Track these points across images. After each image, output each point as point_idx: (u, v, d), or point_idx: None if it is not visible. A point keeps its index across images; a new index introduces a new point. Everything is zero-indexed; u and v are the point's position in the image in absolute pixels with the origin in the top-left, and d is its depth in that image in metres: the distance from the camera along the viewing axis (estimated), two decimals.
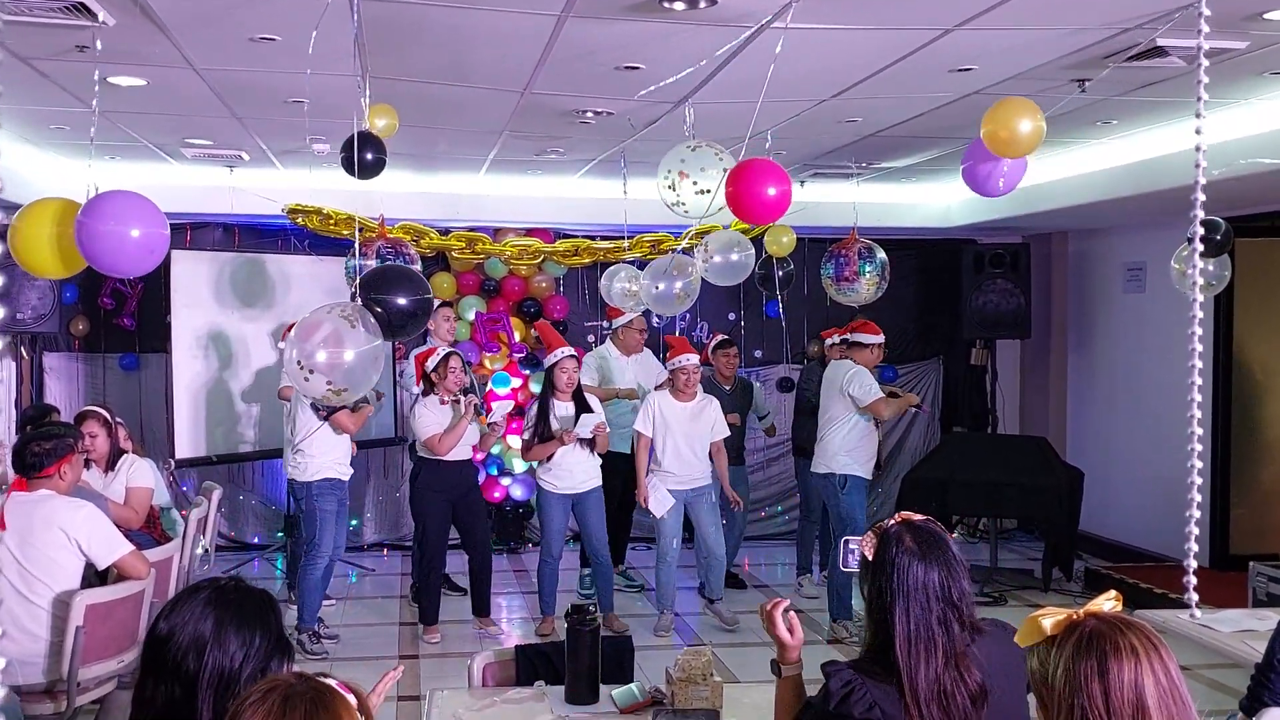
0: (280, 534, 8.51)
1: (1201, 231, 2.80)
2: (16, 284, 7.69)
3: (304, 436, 6.22)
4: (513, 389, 9.00)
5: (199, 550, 5.90)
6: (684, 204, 4.76)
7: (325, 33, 4.22)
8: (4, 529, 4.05)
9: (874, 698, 2.26)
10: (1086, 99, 5.30)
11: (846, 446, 6.54)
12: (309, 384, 3.75)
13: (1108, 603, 1.92)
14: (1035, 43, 4.40)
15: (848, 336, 6.87)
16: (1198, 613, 2.59)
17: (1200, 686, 5.59)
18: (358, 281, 4.15)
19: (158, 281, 7.84)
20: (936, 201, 9.10)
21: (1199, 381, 2.62)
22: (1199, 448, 2.53)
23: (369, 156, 4.40)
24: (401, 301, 4.04)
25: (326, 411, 6.14)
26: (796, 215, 7.55)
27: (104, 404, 6.32)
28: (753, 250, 6.42)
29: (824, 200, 8.26)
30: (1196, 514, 2.56)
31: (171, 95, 5.40)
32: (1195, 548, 2.56)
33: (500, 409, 6.70)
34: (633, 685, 3.24)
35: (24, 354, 8.35)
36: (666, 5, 3.84)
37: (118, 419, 5.93)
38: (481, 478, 8.64)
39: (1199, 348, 2.60)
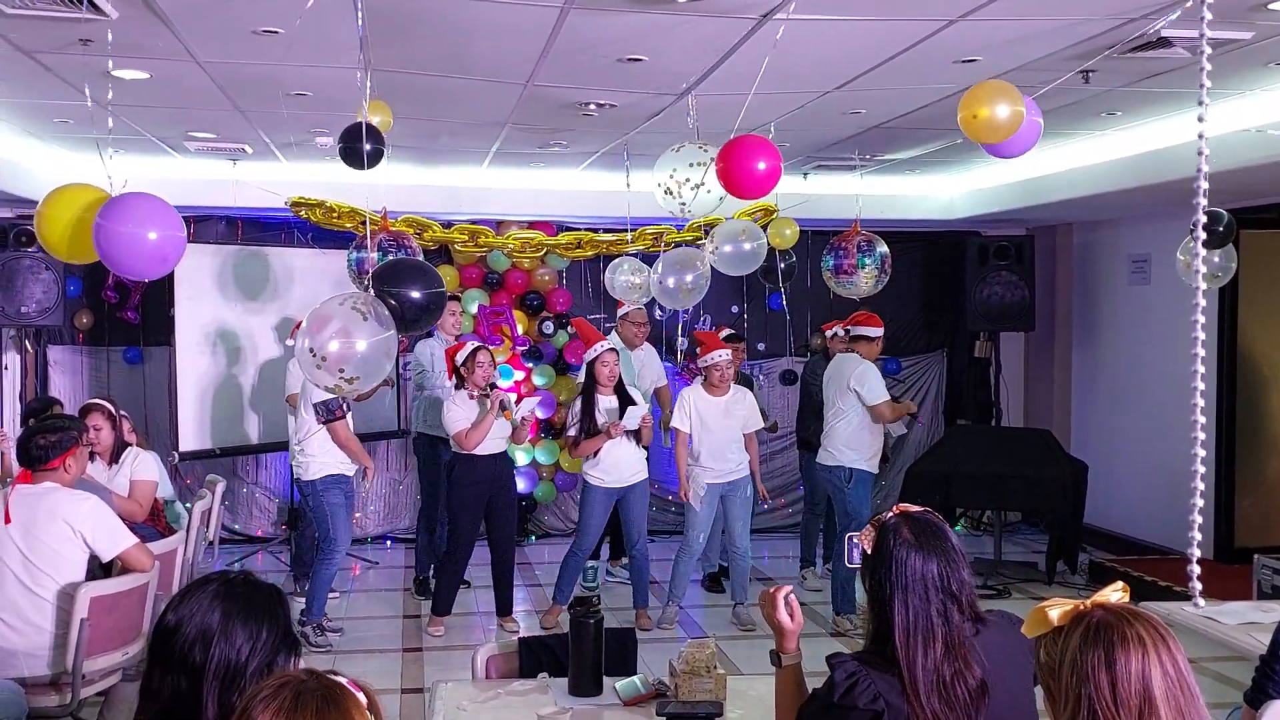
0: (284, 526, 8.52)
1: (1204, 219, 2.79)
2: (21, 277, 7.70)
3: (305, 435, 6.23)
4: (515, 382, 9.00)
5: (203, 542, 5.90)
6: (685, 203, 4.76)
7: (327, 25, 4.22)
8: (9, 521, 4.05)
9: (878, 689, 2.26)
10: (1091, 90, 5.28)
11: (852, 441, 6.54)
12: (320, 372, 3.75)
13: (1115, 594, 1.92)
14: (1039, 34, 4.39)
15: (851, 329, 6.87)
16: (1201, 601, 2.59)
17: (1205, 679, 5.59)
18: (371, 273, 4.14)
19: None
20: (940, 193, 9.08)
21: (1201, 370, 2.61)
22: (1201, 436, 2.53)
23: (368, 147, 4.39)
24: (415, 295, 4.03)
25: (325, 417, 6.13)
26: (799, 207, 7.61)
27: (108, 397, 6.33)
28: (764, 239, 6.41)
29: (827, 192, 8.25)
30: (1200, 503, 2.56)
31: (174, 88, 5.40)
32: (1199, 536, 2.56)
33: (528, 404, 6.61)
34: (636, 677, 3.24)
35: (29, 347, 8.36)
36: None
37: (122, 412, 5.94)
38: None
39: (1201, 335, 2.59)
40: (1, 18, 4.10)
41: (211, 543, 6.21)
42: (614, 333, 7.71)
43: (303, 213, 8.06)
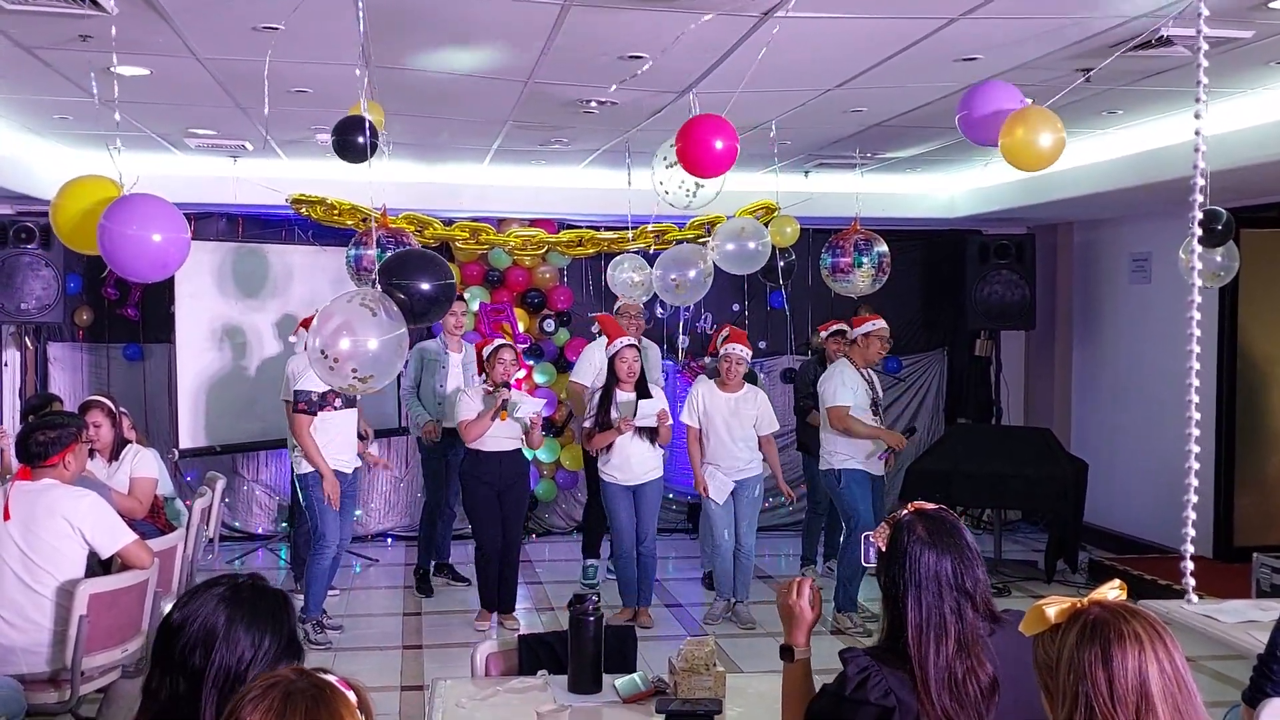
0: (284, 524, 8.53)
1: (1200, 216, 2.78)
2: (21, 273, 7.70)
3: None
4: (516, 380, 9.00)
5: (203, 540, 5.91)
6: (692, 192, 4.75)
7: (328, 21, 4.22)
8: (8, 518, 4.06)
9: (890, 684, 2.27)
10: (1091, 89, 5.28)
11: (837, 442, 6.57)
12: (333, 373, 3.73)
13: (1112, 591, 1.92)
14: (1040, 32, 4.39)
15: (843, 328, 6.92)
16: (1194, 598, 2.59)
17: (1203, 678, 5.58)
18: (378, 268, 4.12)
19: None
20: (941, 192, 9.08)
21: (1197, 366, 2.61)
22: (1196, 433, 2.53)
23: (359, 140, 4.38)
24: (425, 287, 4.01)
25: (293, 405, 6.15)
26: (800, 206, 7.61)
27: (108, 394, 6.32)
28: (768, 237, 6.40)
29: (828, 191, 8.25)
30: (1194, 499, 2.56)
31: (175, 85, 5.40)
32: (1192, 532, 2.55)
33: (530, 405, 6.54)
34: (635, 675, 3.24)
35: (28, 344, 8.36)
36: None
37: (121, 409, 5.94)
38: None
39: (1197, 332, 2.59)
40: (1, 13, 4.10)
41: (211, 540, 6.21)
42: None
43: (303, 210, 8.06)
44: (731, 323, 8.77)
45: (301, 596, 6.47)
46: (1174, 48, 4.35)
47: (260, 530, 8.92)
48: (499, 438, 6.40)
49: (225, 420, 7.80)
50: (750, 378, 7.86)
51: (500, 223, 8.90)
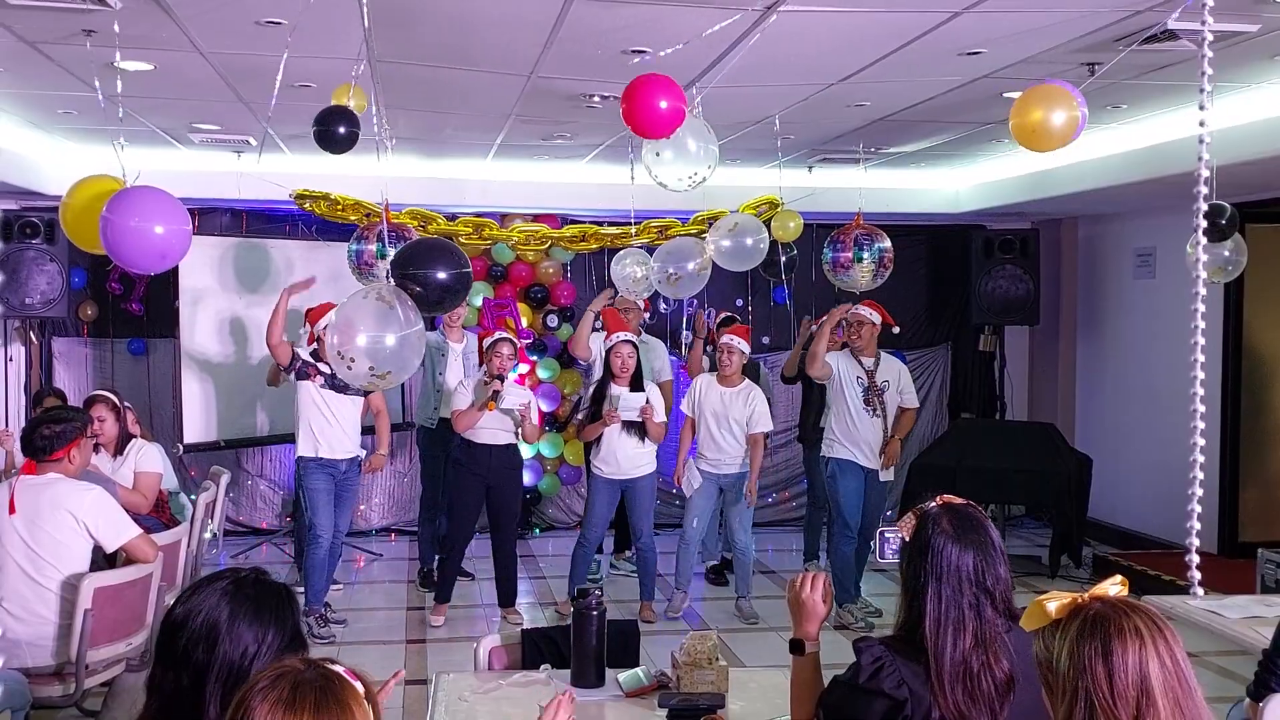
0: (289, 518, 8.54)
1: (1205, 208, 2.77)
2: (26, 269, 7.72)
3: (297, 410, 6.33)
4: (519, 375, 9.00)
5: (207, 535, 5.92)
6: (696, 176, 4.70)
7: (331, 16, 4.22)
8: (13, 512, 4.06)
9: (903, 675, 2.27)
10: (1097, 83, 5.25)
11: (829, 430, 6.64)
12: (351, 372, 3.72)
13: (1113, 586, 1.91)
14: (1045, 26, 4.38)
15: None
16: (1200, 591, 2.59)
17: (1208, 674, 5.58)
18: (389, 261, 4.10)
19: None
20: (945, 187, 9.06)
21: (1201, 358, 2.61)
22: (1201, 424, 2.52)
23: (341, 130, 4.36)
24: (441, 276, 3.98)
25: (289, 362, 6.25)
26: (804, 201, 7.60)
27: (112, 388, 6.34)
28: (763, 233, 6.39)
29: (832, 186, 8.24)
30: (1199, 492, 2.56)
31: (178, 79, 5.40)
32: (1198, 525, 2.55)
33: (516, 397, 6.57)
34: (638, 669, 3.24)
35: (33, 339, 8.38)
36: None
37: (126, 404, 5.95)
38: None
39: (1201, 324, 2.58)
40: (5, 8, 4.11)
41: (216, 534, 6.23)
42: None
43: (307, 205, 8.05)
44: (735, 318, 8.74)
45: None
46: (1179, 42, 4.34)
47: (264, 525, 8.93)
48: (491, 429, 6.42)
49: (229, 415, 7.82)
50: (753, 372, 7.87)
51: (503, 218, 8.90)
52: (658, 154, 4.59)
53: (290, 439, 6.72)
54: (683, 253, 6.63)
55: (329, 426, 6.30)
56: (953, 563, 2.30)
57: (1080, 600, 1.88)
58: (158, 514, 5.61)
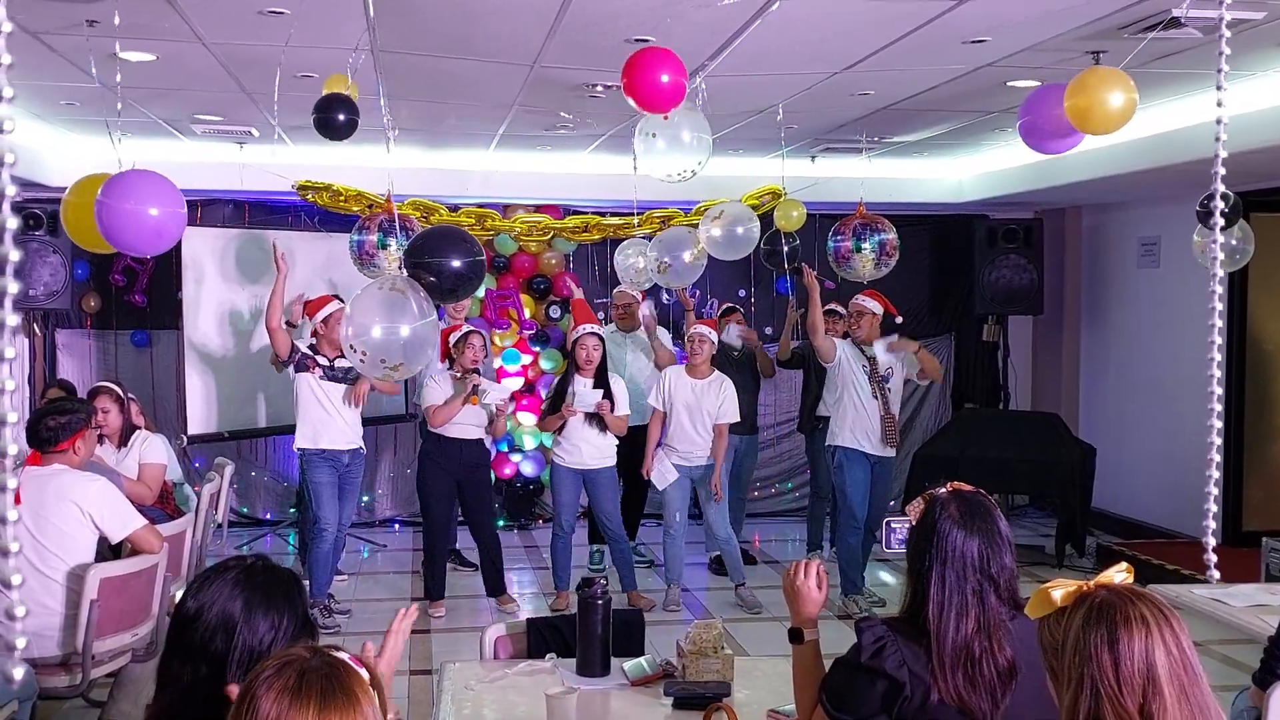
0: (293, 509, 8.56)
1: (1222, 189, 2.75)
2: (29, 260, 7.71)
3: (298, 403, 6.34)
4: (522, 366, 9.01)
5: (212, 525, 5.92)
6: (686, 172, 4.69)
7: (333, 6, 4.21)
8: (18, 503, 4.06)
9: (904, 656, 2.28)
10: None
11: (836, 419, 6.63)
12: (365, 365, 3.73)
13: (1118, 574, 1.91)
14: (1050, 14, 4.36)
15: (834, 308, 7.04)
16: (1216, 575, 2.59)
17: (1212, 662, 5.58)
18: (403, 250, 4.09)
19: (168, 258, 7.85)
20: (949, 176, 9.05)
21: (1218, 358, 2.60)
22: (1218, 407, 2.51)
23: (340, 117, 4.35)
24: (455, 264, 3.98)
25: (288, 355, 6.27)
26: (807, 191, 7.58)
27: (116, 380, 6.34)
28: (755, 221, 6.40)
29: (835, 176, 8.22)
30: (1216, 475, 2.55)
31: (181, 70, 5.39)
32: (1215, 508, 2.55)
33: (498, 392, 6.62)
34: (643, 658, 3.25)
35: (36, 330, 8.38)
36: None
37: (130, 395, 5.96)
38: (492, 455, 8.64)
39: (1219, 323, 2.57)
40: None
41: (220, 525, 6.23)
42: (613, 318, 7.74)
43: (309, 196, 8.05)
44: (736, 308, 8.73)
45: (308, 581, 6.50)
46: (1184, 30, 4.33)
47: (268, 516, 8.94)
48: (464, 424, 6.47)
49: (233, 406, 7.82)
50: (753, 363, 7.86)
51: (506, 208, 8.89)
52: (654, 135, 4.55)
53: (293, 430, 6.73)
54: (677, 243, 6.64)
55: (329, 418, 6.30)
56: (958, 548, 2.31)
57: (1086, 588, 1.88)
58: (162, 505, 5.62)
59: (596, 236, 8.92)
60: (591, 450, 6.59)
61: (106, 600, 4.10)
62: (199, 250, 7.62)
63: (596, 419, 6.53)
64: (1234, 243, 6.18)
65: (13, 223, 1.25)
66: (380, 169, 6.92)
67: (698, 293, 9.14)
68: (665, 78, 3.96)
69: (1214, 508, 2.43)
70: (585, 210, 8.99)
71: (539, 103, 6.20)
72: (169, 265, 8.06)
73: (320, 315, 6.35)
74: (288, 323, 6.63)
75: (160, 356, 8.74)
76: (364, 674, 1.66)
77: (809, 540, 8.02)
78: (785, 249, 7.58)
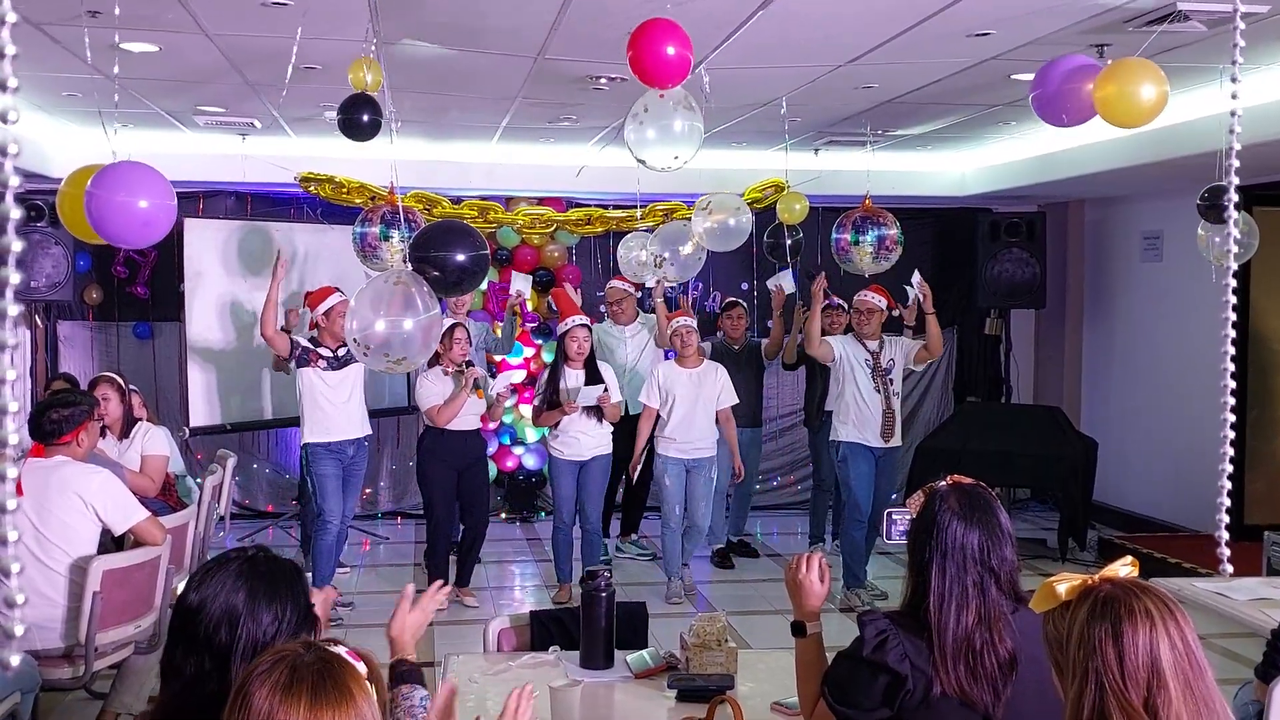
0: (295, 500, 8.56)
1: (1236, 181, 2.74)
2: (31, 252, 7.71)
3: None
4: (525, 358, 9.01)
5: (214, 518, 5.93)
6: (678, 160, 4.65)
7: None
8: (20, 495, 4.06)
9: (906, 649, 2.29)
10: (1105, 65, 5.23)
11: (839, 413, 6.64)
12: (369, 359, 3.74)
13: (1124, 568, 1.91)
14: (1054, 7, 4.35)
15: (837, 300, 7.09)
16: (1229, 568, 2.59)
17: (1214, 656, 5.57)
18: (408, 244, 4.10)
19: (171, 250, 7.86)
20: (952, 169, 9.03)
21: (1231, 351, 2.59)
22: (1231, 418, 2.51)
23: (364, 118, 4.35)
24: (459, 258, 3.99)
25: (289, 352, 6.26)
26: (810, 184, 7.57)
27: (118, 371, 6.34)
28: (746, 212, 6.40)
29: (839, 168, 8.21)
30: (1229, 468, 2.55)
31: (183, 61, 5.38)
32: (1227, 502, 2.54)
33: (502, 380, 6.67)
34: (646, 651, 3.25)
35: (38, 322, 8.38)
36: None
37: (132, 386, 5.96)
38: (493, 448, 8.65)
39: (1232, 315, 2.57)
40: None
41: (223, 517, 6.24)
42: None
43: (312, 188, 8.05)
44: (739, 303, 8.74)
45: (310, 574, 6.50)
46: (1189, 23, 4.31)
47: (270, 508, 8.95)
48: (465, 416, 6.48)
49: (235, 398, 7.82)
50: (756, 349, 7.86)
51: (508, 201, 8.88)
52: (643, 111, 4.50)
53: (295, 422, 6.74)
54: (675, 237, 6.64)
55: (335, 410, 6.30)
56: (958, 540, 2.31)
57: (1091, 581, 1.88)
58: (164, 497, 5.62)
59: (599, 229, 8.91)
60: (590, 441, 6.64)
61: (109, 592, 4.10)
62: (201, 242, 7.62)
63: (595, 410, 6.56)
64: (1239, 235, 6.17)
65: (16, 213, 1.25)
66: (383, 161, 6.91)
67: (700, 286, 9.15)
68: (671, 50, 3.92)
69: (1226, 501, 2.43)
70: (588, 203, 8.99)
71: (543, 95, 6.19)
72: (171, 257, 8.06)
73: (322, 308, 6.34)
74: (283, 328, 6.62)
75: (162, 348, 8.73)
76: (361, 667, 1.66)
77: (811, 533, 8.03)
78: (788, 242, 7.57)
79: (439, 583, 2.73)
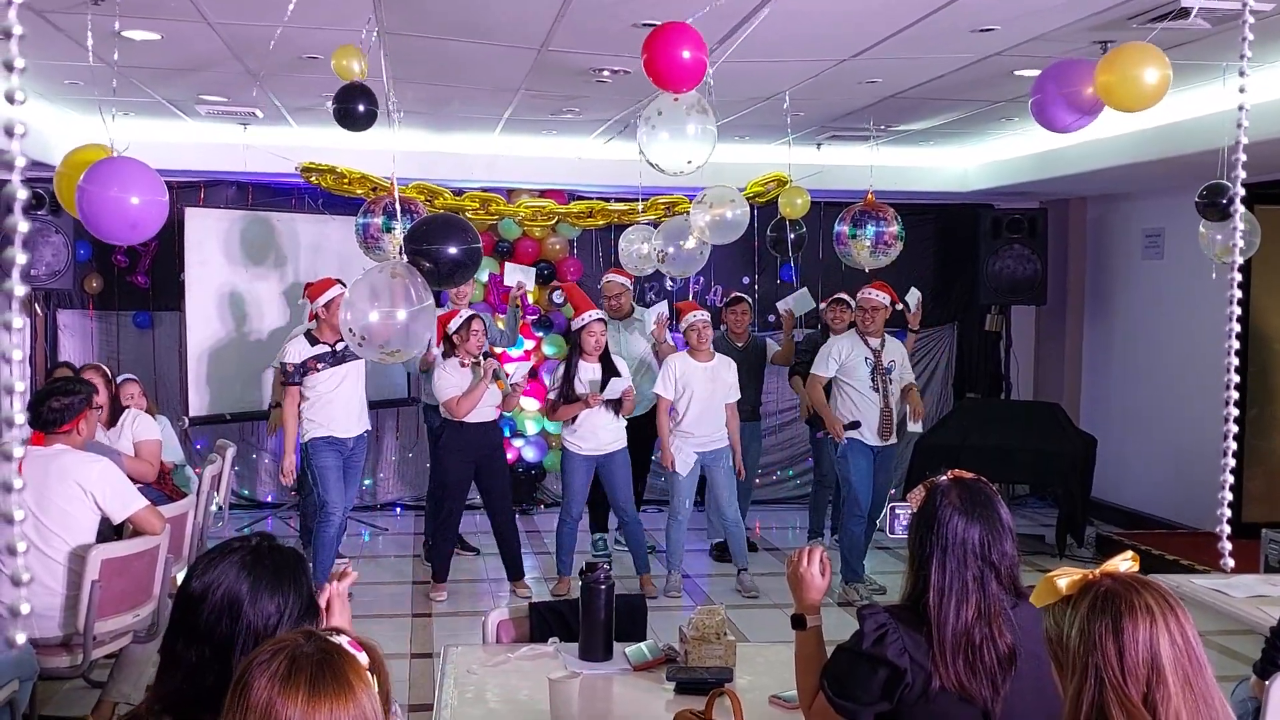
0: (293, 491, 8.56)
1: (1241, 195, 2.74)
2: (32, 240, 7.70)
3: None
4: (525, 351, 9.00)
5: (213, 508, 5.93)
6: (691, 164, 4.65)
7: None
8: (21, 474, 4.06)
9: (905, 643, 2.29)
10: None
11: (839, 411, 6.63)
12: (363, 349, 3.75)
13: (1124, 563, 1.91)
14: (1058, 3, 4.34)
15: (842, 297, 7.11)
16: (1230, 562, 2.60)
17: (1211, 652, 5.57)
18: (403, 236, 4.11)
19: (171, 239, 7.85)
20: (954, 165, 9.03)
21: (1235, 346, 2.59)
22: (1235, 395, 2.51)
23: (360, 108, 4.34)
24: (452, 251, 4.00)
25: (285, 378, 6.24)
26: (813, 178, 7.56)
27: (117, 360, 6.33)
28: (743, 205, 6.39)
29: (842, 163, 8.20)
30: (1232, 462, 2.55)
31: (185, 50, 5.37)
32: (1229, 496, 2.55)
33: (519, 370, 6.68)
34: (645, 643, 3.25)
35: (38, 310, 8.37)
36: None
37: (131, 376, 5.95)
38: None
39: (1237, 310, 2.57)
40: None
41: (222, 507, 6.24)
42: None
43: (313, 178, 8.04)
44: (744, 298, 8.72)
45: (311, 564, 6.51)
46: (1193, 20, 4.31)
47: (269, 498, 8.95)
48: (483, 408, 6.48)
49: (235, 388, 7.82)
50: (760, 346, 7.86)
51: (510, 193, 8.87)
52: (656, 115, 4.50)
53: None
54: (677, 231, 6.64)
55: (338, 408, 6.31)
56: (959, 535, 2.31)
57: (1091, 577, 1.87)
58: (160, 486, 5.62)
59: (601, 222, 8.90)
60: (607, 435, 6.61)
61: (108, 581, 4.10)
62: (202, 232, 7.61)
63: (613, 403, 6.54)
64: (1244, 230, 6.16)
65: (23, 193, 1.25)
66: (384, 152, 6.89)
67: (702, 280, 9.15)
68: (687, 54, 3.92)
69: (1229, 496, 2.43)
70: (590, 195, 8.98)
71: (546, 87, 6.18)
72: (172, 246, 8.05)
73: (322, 299, 6.34)
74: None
75: (162, 338, 8.73)
76: (363, 658, 1.65)
77: (810, 528, 8.03)
78: (791, 236, 7.57)
79: (346, 563, 2.66)
